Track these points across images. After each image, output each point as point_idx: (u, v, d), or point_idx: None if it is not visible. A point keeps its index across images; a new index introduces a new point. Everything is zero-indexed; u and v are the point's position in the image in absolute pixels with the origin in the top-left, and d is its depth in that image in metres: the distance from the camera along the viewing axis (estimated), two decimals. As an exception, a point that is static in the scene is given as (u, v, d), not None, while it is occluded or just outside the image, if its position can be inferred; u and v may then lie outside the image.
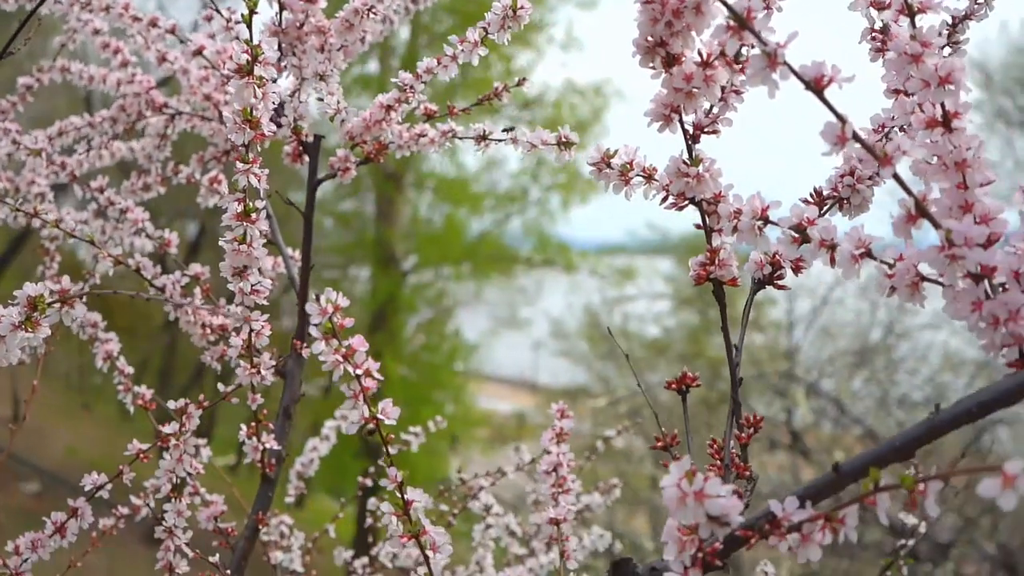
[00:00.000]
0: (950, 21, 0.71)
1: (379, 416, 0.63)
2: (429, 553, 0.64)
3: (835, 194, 0.69)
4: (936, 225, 0.51)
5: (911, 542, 1.08)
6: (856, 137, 0.50)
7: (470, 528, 1.36)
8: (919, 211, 0.51)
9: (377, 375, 0.62)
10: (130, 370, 1.10)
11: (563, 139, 0.82)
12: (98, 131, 1.19)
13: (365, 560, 1.44)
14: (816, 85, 0.51)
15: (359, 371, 0.62)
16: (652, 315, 9.96)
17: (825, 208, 0.69)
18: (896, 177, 0.51)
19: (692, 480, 0.50)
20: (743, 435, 0.62)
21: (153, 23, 1.10)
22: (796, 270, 0.68)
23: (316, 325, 0.61)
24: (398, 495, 0.65)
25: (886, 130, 0.69)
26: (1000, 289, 0.51)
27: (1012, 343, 0.50)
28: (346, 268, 11.69)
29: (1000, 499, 0.40)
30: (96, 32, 1.20)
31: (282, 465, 1.00)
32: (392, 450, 0.66)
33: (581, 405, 7.70)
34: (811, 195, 0.70)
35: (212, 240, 9.88)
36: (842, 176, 0.69)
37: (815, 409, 6.49)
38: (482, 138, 0.94)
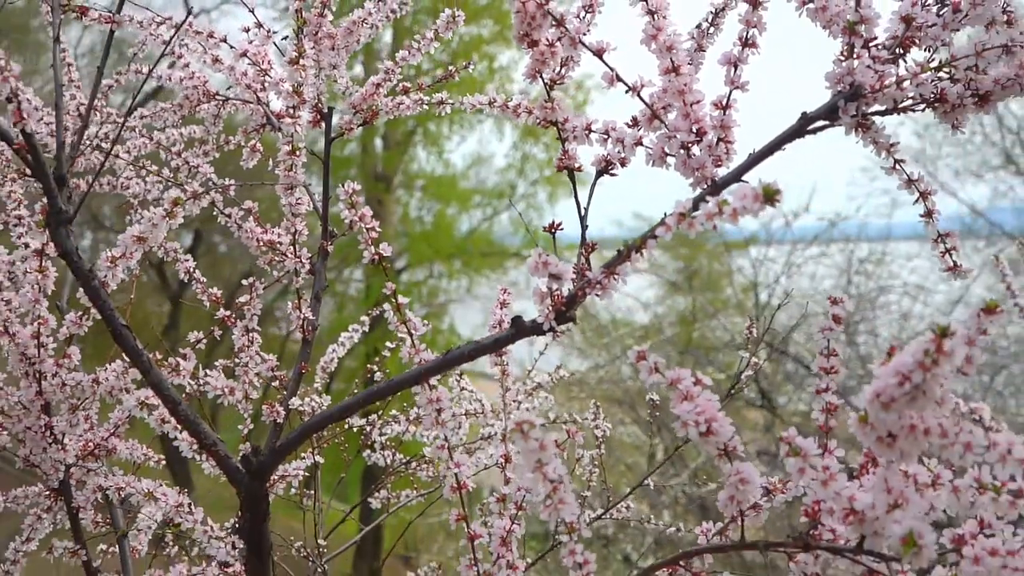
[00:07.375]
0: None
1: (380, 252, 1.11)
2: (412, 331, 1.12)
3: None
4: (662, 122, 0.99)
5: (744, 380, 1.56)
6: (619, 79, 0.98)
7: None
8: (653, 115, 0.99)
9: (378, 229, 1.10)
10: (204, 280, 1.57)
11: (492, 100, 1.29)
12: (170, 114, 1.66)
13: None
14: (598, 53, 0.98)
15: (368, 226, 1.09)
16: (642, 301, 10.33)
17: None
18: (642, 99, 0.99)
19: (543, 255, 0.97)
20: (587, 250, 1.10)
21: (210, 35, 1.57)
22: (622, 164, 1.15)
23: (341, 199, 1.08)
24: (393, 300, 1.12)
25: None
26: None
27: (703, 181, 0.98)
28: (340, 270, 12.17)
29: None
30: (165, 43, 1.67)
31: (315, 333, 1.48)
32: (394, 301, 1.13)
33: (576, 396, 7.64)
34: (631, 119, 1.17)
35: (206, 247, 10.31)
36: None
37: (784, 371, 6.98)
38: (441, 103, 1.42)
